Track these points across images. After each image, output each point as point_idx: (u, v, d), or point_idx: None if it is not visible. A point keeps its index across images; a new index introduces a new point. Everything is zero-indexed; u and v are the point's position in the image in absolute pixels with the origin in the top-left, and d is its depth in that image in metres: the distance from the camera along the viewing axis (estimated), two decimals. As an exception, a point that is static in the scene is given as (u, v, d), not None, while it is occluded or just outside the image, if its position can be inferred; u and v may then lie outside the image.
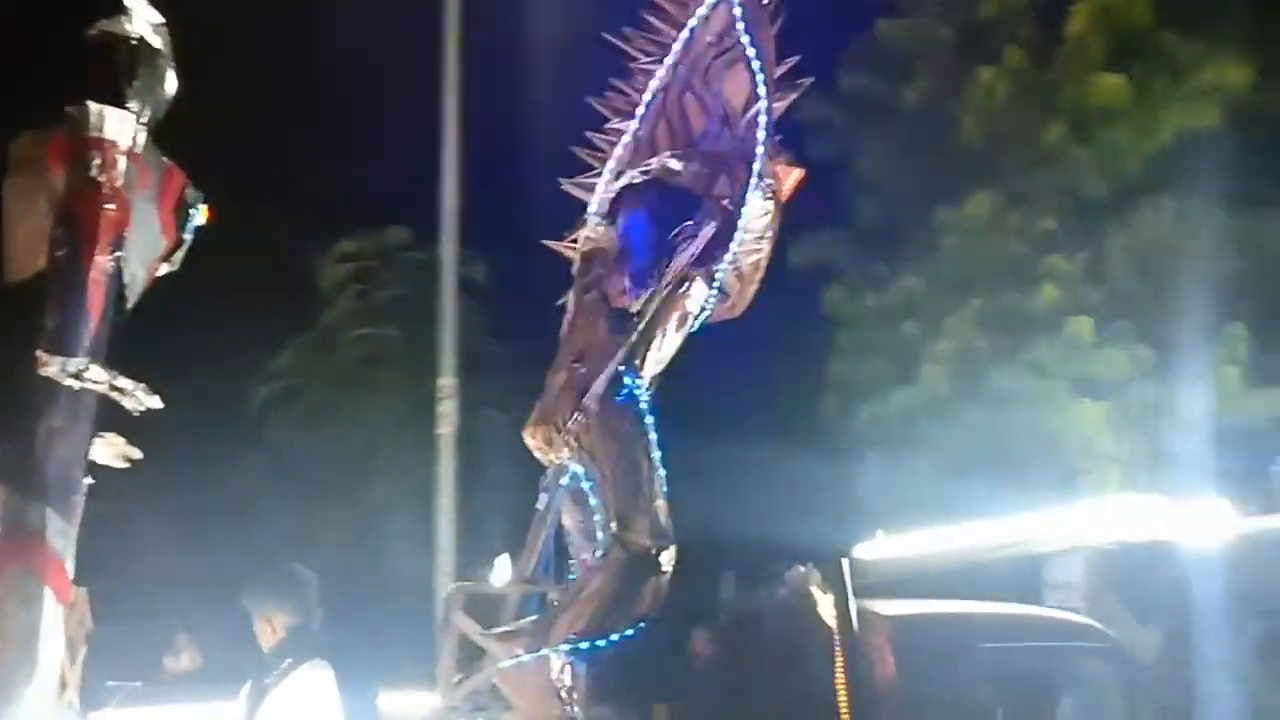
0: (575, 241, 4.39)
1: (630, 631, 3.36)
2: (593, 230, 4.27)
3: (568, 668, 3.38)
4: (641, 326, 3.92)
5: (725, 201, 4.08)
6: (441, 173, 8.03)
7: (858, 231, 11.68)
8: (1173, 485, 8.57)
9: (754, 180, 4.05)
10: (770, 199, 4.12)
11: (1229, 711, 3.96)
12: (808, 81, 4.35)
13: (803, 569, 4.09)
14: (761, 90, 4.14)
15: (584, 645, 3.32)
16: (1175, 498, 3.93)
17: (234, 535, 13.64)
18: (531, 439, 4.12)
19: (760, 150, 4.09)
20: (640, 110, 4.25)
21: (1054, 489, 8.44)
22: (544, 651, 3.52)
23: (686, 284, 4.04)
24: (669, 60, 4.25)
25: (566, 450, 3.99)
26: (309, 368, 16.18)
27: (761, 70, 4.14)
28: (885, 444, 10.61)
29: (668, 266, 3.98)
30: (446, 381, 7.58)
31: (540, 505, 4.18)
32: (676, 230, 3.97)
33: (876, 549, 3.88)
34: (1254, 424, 9.28)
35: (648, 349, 3.98)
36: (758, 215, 4.02)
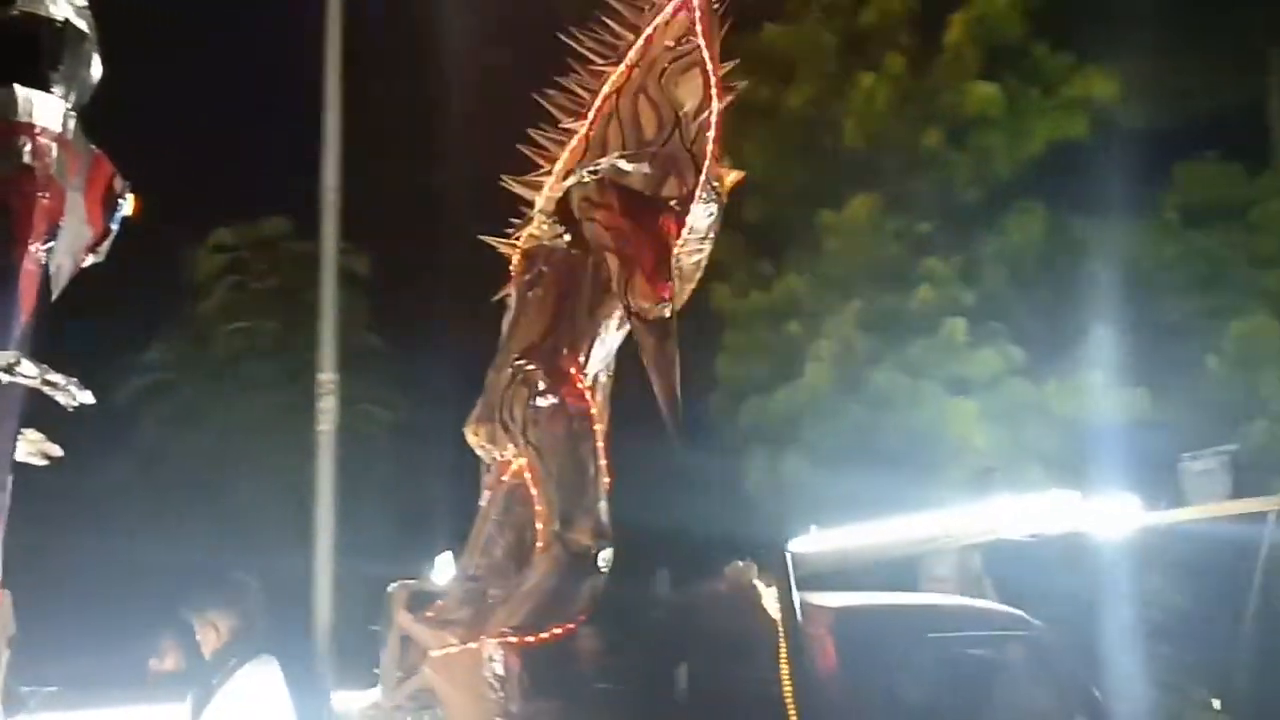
0: (516, 238, 4.37)
1: (566, 628, 3.36)
2: (538, 228, 4.23)
3: (500, 660, 3.35)
4: (571, 317, 3.95)
5: (673, 203, 4.09)
6: (322, 161, 7.82)
7: (744, 231, 11.86)
8: (1041, 481, 8.95)
9: (703, 182, 4.07)
10: (714, 201, 4.14)
11: (1137, 691, 4.25)
12: (741, 85, 4.41)
13: (740, 563, 4.13)
14: (714, 94, 4.16)
15: (514, 639, 3.31)
16: (1087, 493, 4.12)
17: (99, 537, 13.06)
18: (474, 436, 4.11)
19: (710, 152, 4.11)
20: (592, 111, 4.24)
21: (930, 486, 8.73)
22: (477, 643, 3.49)
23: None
24: (625, 62, 4.25)
25: (511, 447, 3.96)
26: (182, 362, 15.62)
27: (714, 75, 4.15)
28: (768, 442, 10.77)
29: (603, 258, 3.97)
30: (326, 377, 7.39)
31: (483, 502, 4.17)
32: (643, 233, 3.91)
33: (809, 543, 3.98)
34: (1116, 421, 9.72)
35: (591, 347, 4.00)
36: (703, 216, 4.04)
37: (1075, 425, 9.77)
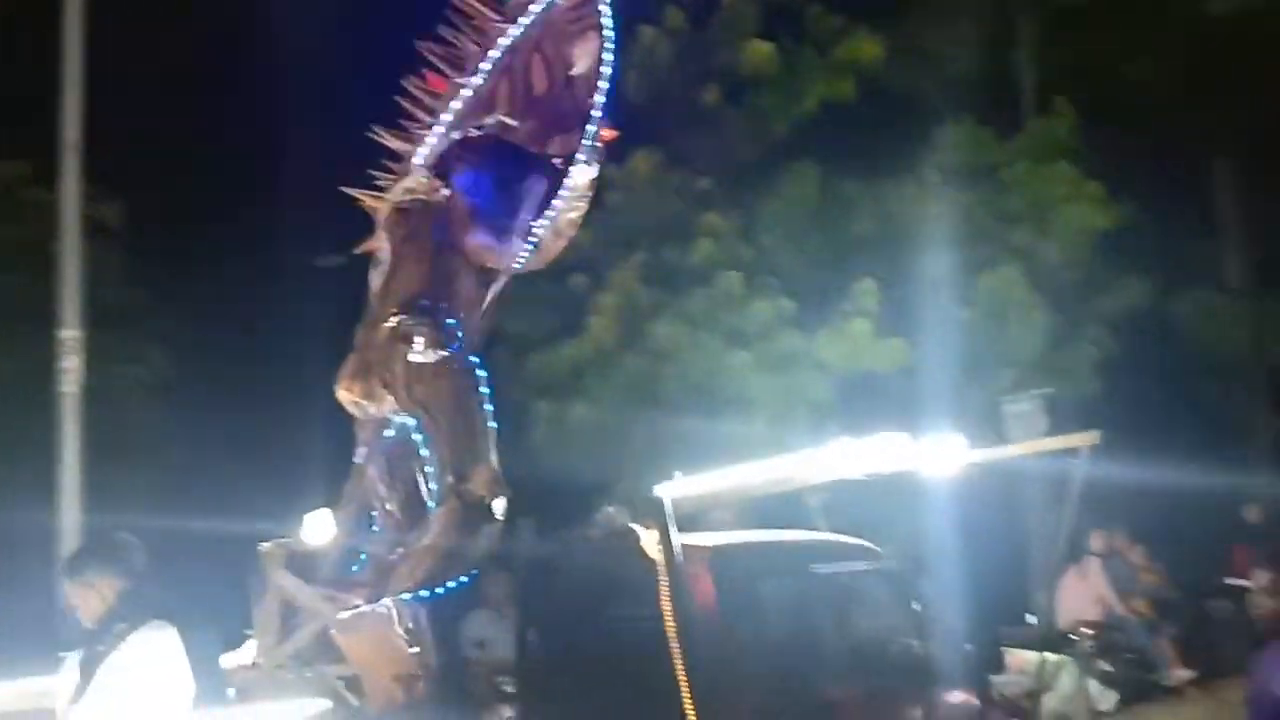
0: (382, 191, 4.24)
1: (466, 577, 3.41)
2: (415, 182, 4.13)
3: (409, 617, 3.39)
4: (448, 272, 3.94)
5: (557, 161, 4.19)
6: (63, 100, 7.15)
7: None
8: (810, 428, 9.35)
9: (589, 141, 4.19)
10: (595, 160, 4.27)
11: (962, 614, 4.67)
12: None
13: (612, 509, 4.30)
14: (608, 56, 4.26)
15: (424, 593, 3.35)
16: (918, 434, 4.42)
17: None
18: (348, 393, 4.01)
19: (598, 113, 4.22)
20: (485, 66, 4.17)
21: (712, 436, 8.95)
22: (385, 601, 3.51)
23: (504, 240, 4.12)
24: (524, 20, 4.22)
25: (390, 402, 3.89)
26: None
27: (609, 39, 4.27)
28: (553, 395, 10.77)
29: (516, 224, 4.05)
30: (69, 334, 6.82)
31: (358, 459, 4.09)
32: (516, 190, 4.04)
33: (675, 488, 4.06)
34: (878, 369, 10.26)
35: (469, 298, 4.01)
36: (584, 174, 4.16)
37: (843, 373, 10.24)
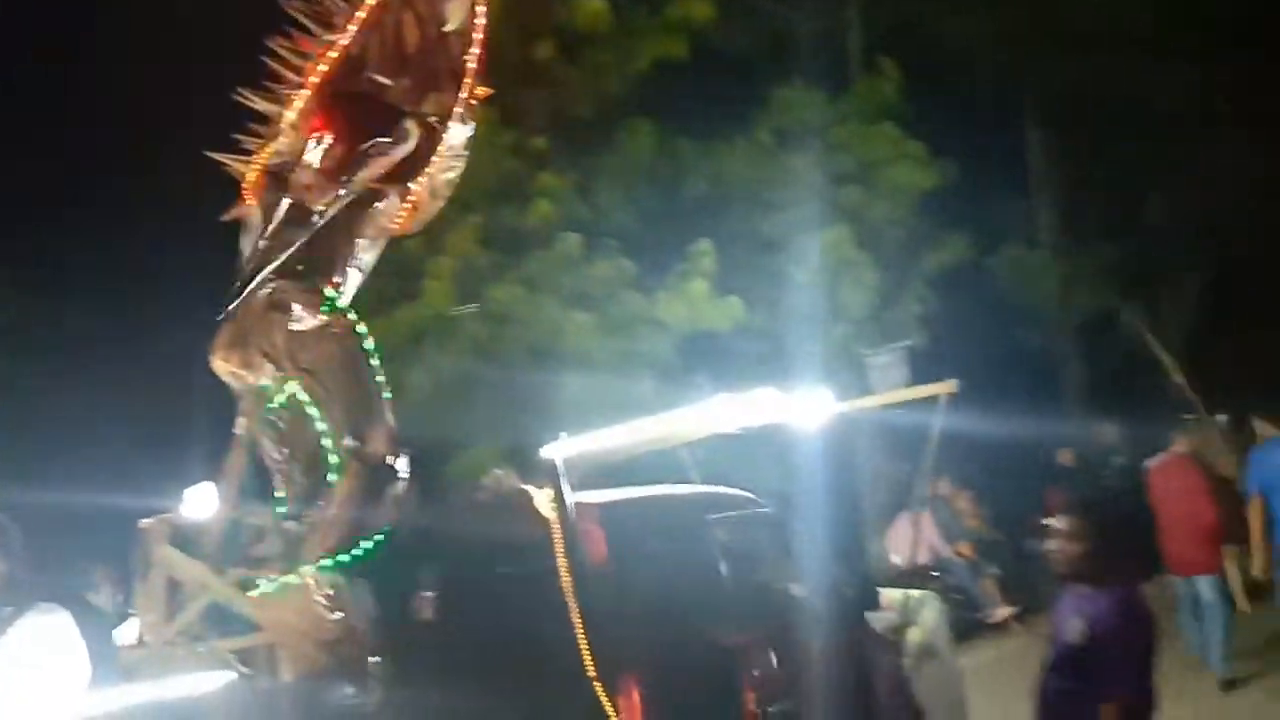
0: (248, 154, 4.09)
1: (379, 538, 3.43)
2: (285, 144, 4.03)
3: (329, 586, 3.38)
4: (324, 236, 3.86)
5: (433, 119, 4.13)
6: None
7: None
8: (652, 388, 9.39)
9: (463, 100, 4.15)
10: (471, 119, 4.23)
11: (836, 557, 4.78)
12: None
13: (499, 471, 4.37)
14: (480, 10, 4.25)
15: (341, 559, 3.36)
16: (786, 388, 4.57)
17: None
18: (225, 363, 3.90)
19: (473, 70, 4.19)
20: (354, 25, 4.06)
21: (557, 400, 8.89)
22: (301, 571, 3.48)
23: (381, 198, 4.05)
24: None
25: (270, 370, 3.83)
26: None
27: None
28: (390, 360, 10.45)
29: (354, 177, 3.95)
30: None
31: (239, 430, 3.99)
32: (371, 143, 3.95)
33: (562, 448, 4.13)
34: (717, 329, 10.37)
35: (346, 262, 3.95)
36: (460, 134, 4.13)
37: (683, 334, 10.32)
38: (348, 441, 3.64)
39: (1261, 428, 8.42)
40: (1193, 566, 8.47)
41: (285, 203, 4.05)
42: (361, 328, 3.90)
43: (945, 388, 5.10)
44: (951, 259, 12.76)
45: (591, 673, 3.69)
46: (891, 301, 12.19)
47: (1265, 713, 7.80)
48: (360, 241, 4.10)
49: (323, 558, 3.49)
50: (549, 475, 3.95)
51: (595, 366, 9.26)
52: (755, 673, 4.24)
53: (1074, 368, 16.32)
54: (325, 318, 3.81)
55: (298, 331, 3.85)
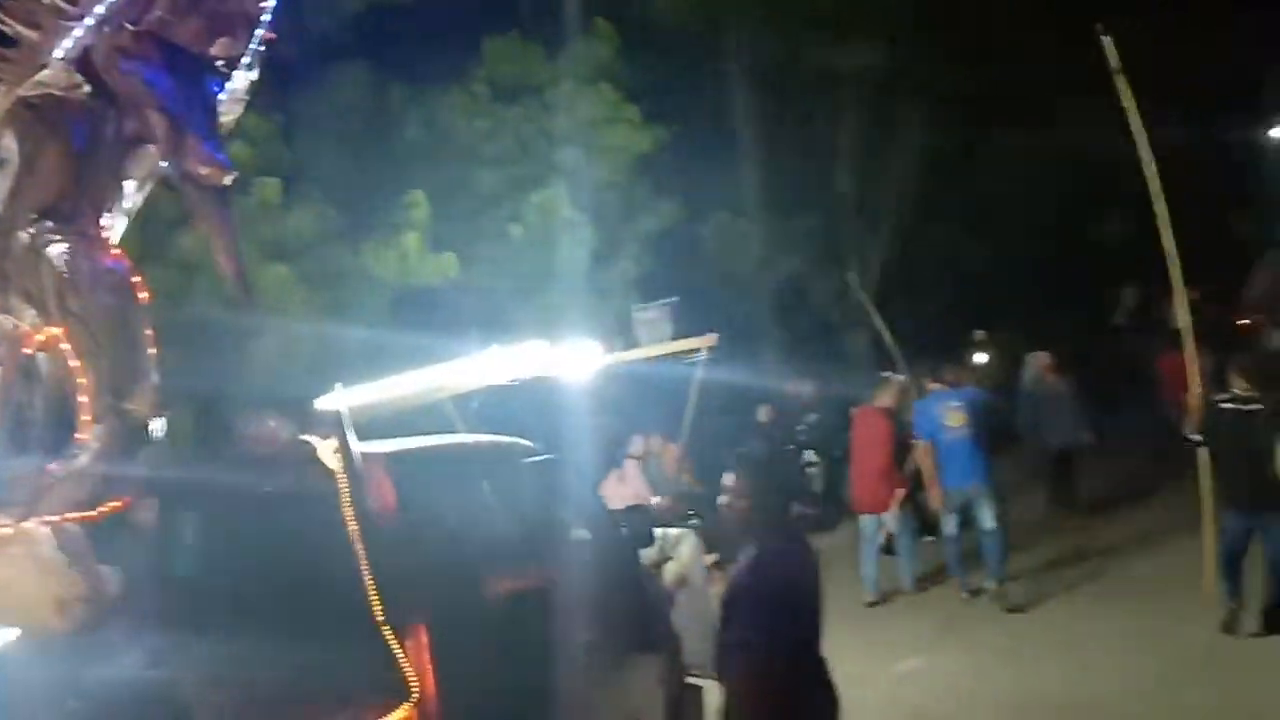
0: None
1: (127, 496, 3.37)
2: (53, 75, 3.76)
3: (69, 539, 3.32)
4: (92, 176, 3.70)
5: (221, 64, 4.02)
6: None
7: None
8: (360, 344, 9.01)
9: (254, 44, 4.03)
10: (258, 64, 4.13)
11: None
12: None
13: (272, 422, 4.23)
14: None
15: (85, 514, 3.31)
16: (558, 341, 4.76)
17: None
18: None
19: (266, 15, 4.08)
20: None
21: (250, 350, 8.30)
22: (39, 520, 3.40)
23: (152, 138, 3.90)
24: None
25: (32, 315, 3.68)
26: None
27: None
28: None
29: (185, 126, 3.81)
30: None
31: None
32: (192, 92, 3.88)
33: (335, 399, 4.10)
34: (431, 284, 10.08)
35: (115, 204, 3.82)
36: (245, 79, 4.02)
37: (392, 288, 9.96)
38: (108, 397, 3.53)
39: (927, 383, 9.69)
40: (875, 505, 9.56)
41: (48, 137, 3.84)
42: (137, 279, 3.74)
43: (707, 341, 5.45)
44: (665, 223, 13.04)
45: (380, 619, 3.69)
46: (607, 262, 12.31)
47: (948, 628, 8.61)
48: (129, 183, 3.92)
49: (65, 511, 3.43)
50: (333, 426, 3.91)
51: (297, 319, 8.72)
52: (546, 609, 4.38)
53: (770, 328, 17.20)
54: (96, 263, 3.66)
55: (69, 276, 3.67)
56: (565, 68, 12.21)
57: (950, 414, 9.03)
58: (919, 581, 9.82)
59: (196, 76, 3.97)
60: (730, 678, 3.86)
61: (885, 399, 9.88)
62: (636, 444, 10.29)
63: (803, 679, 3.88)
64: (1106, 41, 9.37)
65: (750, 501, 3.94)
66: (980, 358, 15.15)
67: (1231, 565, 7.49)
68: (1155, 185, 9.15)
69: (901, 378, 10.71)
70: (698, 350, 5.49)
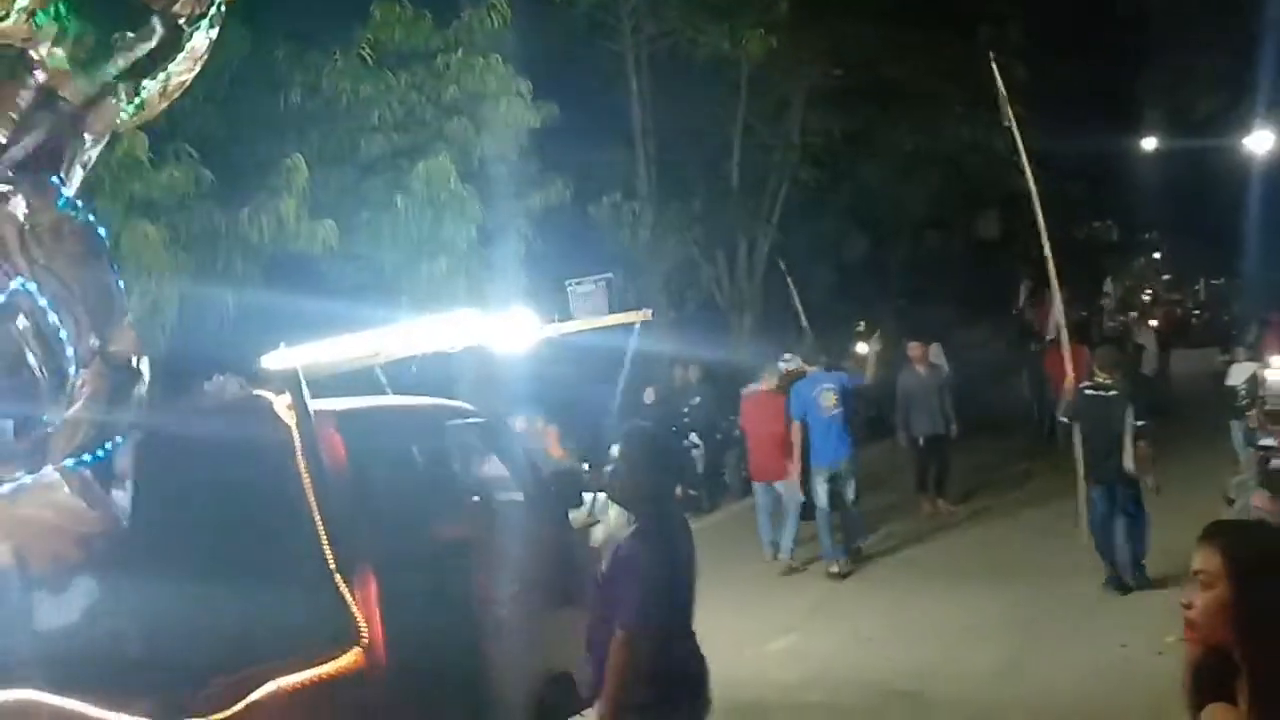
0: None
1: (122, 438, 3.47)
2: (12, 26, 3.73)
3: (78, 481, 3.40)
4: (52, 128, 3.69)
5: (181, 20, 4.07)
6: None
7: None
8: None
9: (218, 3, 4.10)
10: (218, 24, 4.18)
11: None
12: None
13: (221, 378, 4.40)
14: None
15: (87, 457, 3.39)
16: (490, 310, 5.07)
17: None
18: None
19: None
20: None
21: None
22: (47, 469, 3.47)
23: (113, 92, 3.96)
24: None
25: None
26: None
27: None
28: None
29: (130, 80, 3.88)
30: None
31: None
32: (116, 35, 3.90)
33: (283, 358, 4.27)
34: (310, 251, 9.75)
35: (73, 160, 3.81)
36: (204, 38, 4.07)
37: (269, 253, 9.61)
38: (92, 341, 3.58)
39: (801, 365, 10.74)
40: (770, 474, 10.47)
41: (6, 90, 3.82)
42: (99, 227, 3.80)
43: (642, 315, 5.67)
44: (554, 201, 12.89)
45: (332, 567, 3.87)
46: (494, 238, 12.11)
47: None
48: (87, 137, 3.91)
49: (68, 455, 3.49)
50: (289, 383, 4.10)
51: (163, 280, 8.33)
52: (480, 562, 4.64)
53: (665, 312, 17.25)
54: (60, 214, 3.68)
55: (31, 227, 3.68)
56: (456, 37, 11.92)
57: (824, 395, 9.75)
58: (799, 561, 10.31)
59: (142, 29, 4.04)
60: (600, 652, 3.84)
61: (772, 380, 10.67)
62: (519, 424, 10.20)
63: (674, 654, 3.90)
64: (995, 68, 10.36)
65: (631, 477, 3.98)
66: (862, 347, 15.49)
67: (1103, 531, 8.50)
68: (1036, 202, 10.23)
69: (796, 360, 11.26)
70: (634, 324, 5.72)
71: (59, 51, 3.84)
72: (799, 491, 10.21)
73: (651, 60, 17.42)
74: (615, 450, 4.15)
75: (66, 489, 3.51)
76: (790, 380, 10.61)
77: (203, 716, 3.41)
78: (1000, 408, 18.55)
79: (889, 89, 19.69)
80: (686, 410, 13.77)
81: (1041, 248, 10.48)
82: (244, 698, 3.48)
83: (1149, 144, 23.69)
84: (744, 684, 6.46)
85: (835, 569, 9.78)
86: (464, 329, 4.85)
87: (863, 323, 18.28)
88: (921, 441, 12.13)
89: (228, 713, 3.45)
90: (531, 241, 12.42)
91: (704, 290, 18.88)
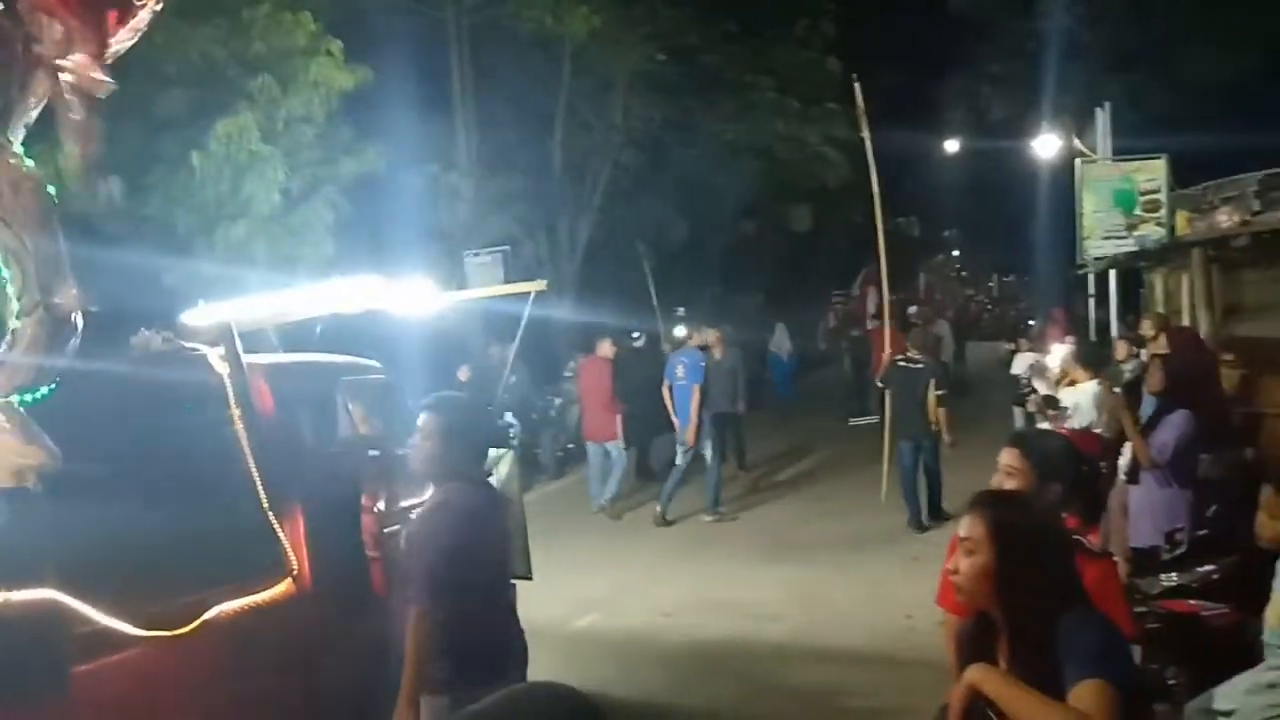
0: None
1: (54, 385, 3.67)
2: None
3: (18, 418, 3.59)
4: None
5: None
6: None
7: None
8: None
9: None
10: None
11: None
12: None
13: (146, 332, 4.57)
14: None
15: (27, 397, 3.61)
16: (390, 276, 5.14)
17: None
18: None
19: None
20: None
21: None
22: None
23: (61, 56, 3.91)
24: None
25: None
26: None
27: None
28: None
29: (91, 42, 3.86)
30: None
31: None
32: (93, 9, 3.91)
33: (202, 315, 4.61)
34: (92, 210, 9.03)
35: (22, 117, 3.85)
36: (149, 12, 4.04)
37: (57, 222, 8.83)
38: (37, 294, 3.70)
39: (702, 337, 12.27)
40: (602, 434, 11.83)
41: None
42: (49, 185, 3.83)
43: (537, 285, 5.91)
44: (366, 168, 12.39)
45: (265, 505, 4.31)
46: (301, 203, 11.55)
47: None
48: (32, 99, 3.90)
49: (7, 393, 3.63)
50: (222, 336, 4.49)
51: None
52: (377, 504, 5.08)
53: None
54: (19, 172, 3.71)
55: None
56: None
57: (679, 368, 11.46)
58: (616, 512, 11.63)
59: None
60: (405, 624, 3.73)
61: (605, 350, 12.07)
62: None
63: (474, 631, 3.76)
64: (857, 88, 11.39)
65: (436, 444, 3.87)
66: (680, 331, 15.65)
67: (908, 482, 10.13)
68: (878, 200, 11.61)
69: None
70: (529, 293, 5.91)
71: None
72: (624, 455, 11.90)
73: (474, 31, 17.05)
74: (420, 420, 3.97)
75: (5, 423, 3.65)
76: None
77: (166, 630, 3.82)
78: (821, 388, 19.73)
79: (708, 76, 19.96)
80: (503, 388, 13.54)
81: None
82: (198, 618, 3.93)
83: (950, 145, 24.82)
84: (546, 667, 6.33)
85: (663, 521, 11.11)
86: (366, 294, 5.13)
87: (681, 309, 18.46)
88: (720, 418, 12.56)
89: (184, 629, 3.87)
90: (341, 209, 11.89)
91: (525, 269, 18.66)
